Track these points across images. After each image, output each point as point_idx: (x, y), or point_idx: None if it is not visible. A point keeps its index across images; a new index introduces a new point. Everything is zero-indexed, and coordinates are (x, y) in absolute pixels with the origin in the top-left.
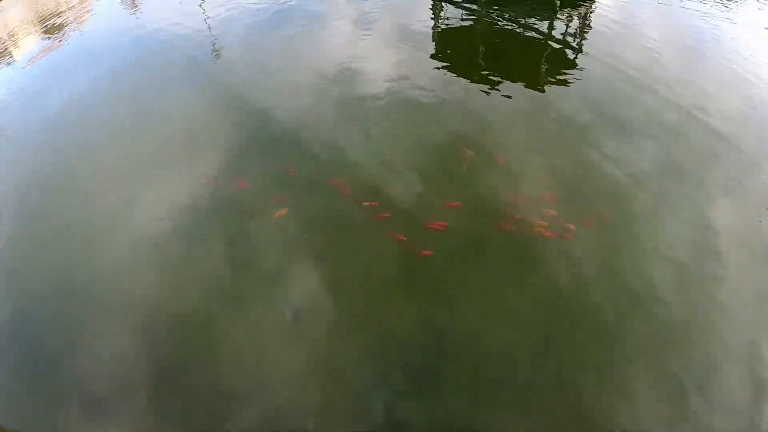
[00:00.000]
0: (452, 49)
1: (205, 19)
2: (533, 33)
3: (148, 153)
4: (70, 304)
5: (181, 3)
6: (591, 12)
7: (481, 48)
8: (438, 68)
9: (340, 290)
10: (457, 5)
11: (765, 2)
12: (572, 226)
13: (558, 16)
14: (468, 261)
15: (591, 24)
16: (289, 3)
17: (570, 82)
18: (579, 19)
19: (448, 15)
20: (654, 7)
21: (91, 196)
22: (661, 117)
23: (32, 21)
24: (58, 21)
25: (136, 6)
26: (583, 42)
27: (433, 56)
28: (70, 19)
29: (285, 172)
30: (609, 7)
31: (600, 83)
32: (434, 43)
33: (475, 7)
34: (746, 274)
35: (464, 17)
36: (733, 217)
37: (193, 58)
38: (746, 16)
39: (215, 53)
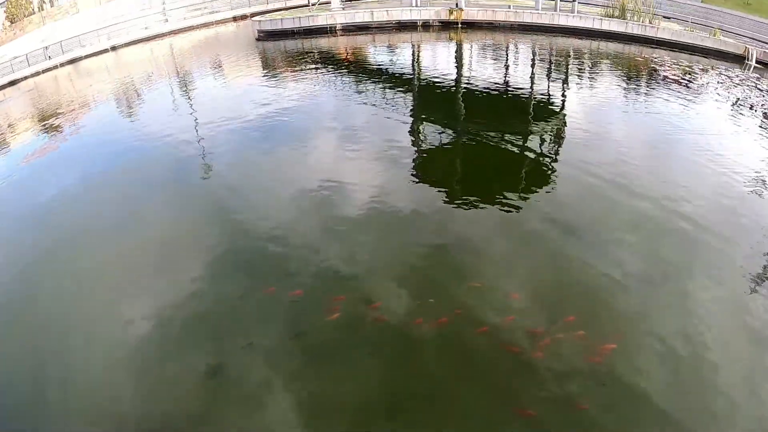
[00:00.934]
0: (433, 166)
1: (196, 131)
2: (510, 147)
3: (129, 259)
4: (41, 413)
5: (176, 111)
6: (563, 124)
7: (461, 164)
8: (421, 186)
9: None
10: (435, 125)
11: (722, 101)
12: (611, 345)
13: (532, 130)
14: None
15: (564, 135)
16: (277, 120)
17: (548, 193)
18: (552, 131)
19: (428, 134)
20: (620, 114)
21: (70, 298)
22: (639, 217)
23: (32, 116)
24: (56, 122)
25: (132, 114)
26: (558, 153)
27: (414, 174)
28: (69, 120)
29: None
30: (579, 118)
31: (577, 191)
32: (415, 161)
33: (453, 126)
34: (740, 359)
35: (443, 136)
36: (720, 304)
37: (182, 167)
38: (705, 112)
39: (204, 165)
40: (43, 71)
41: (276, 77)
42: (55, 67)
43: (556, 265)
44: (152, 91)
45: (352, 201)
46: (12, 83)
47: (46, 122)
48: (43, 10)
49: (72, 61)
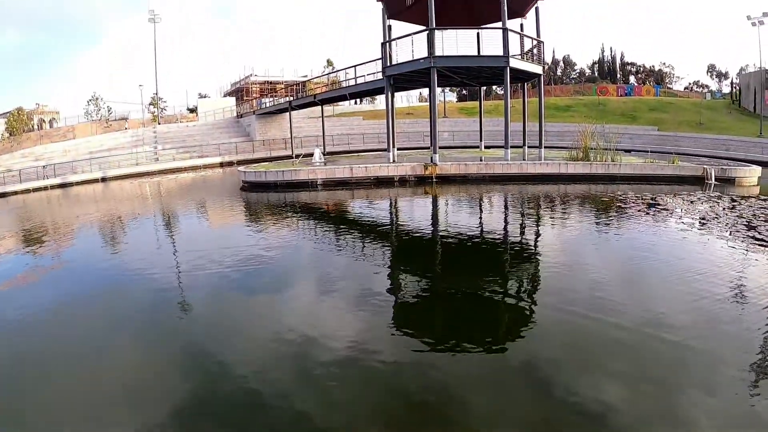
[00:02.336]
0: (413, 315)
1: (176, 270)
2: (487, 292)
3: (92, 399)
4: None
5: (159, 249)
6: (538, 266)
7: (440, 312)
8: (402, 335)
9: None
10: (413, 274)
11: (688, 223)
12: None
13: (508, 273)
14: None
15: (540, 275)
16: (257, 266)
17: (530, 334)
18: (528, 273)
19: (406, 283)
20: (592, 251)
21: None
22: (623, 346)
23: (18, 236)
24: (40, 249)
25: (116, 247)
26: (535, 293)
27: (394, 323)
28: (53, 248)
29: None
30: (553, 258)
31: (558, 328)
32: (395, 310)
33: (430, 275)
34: None
35: (421, 284)
36: (720, 417)
37: (160, 305)
38: (673, 236)
39: (182, 304)
40: (33, 190)
41: (258, 225)
42: (46, 188)
43: (551, 409)
44: (137, 226)
45: (331, 350)
46: (1, 195)
47: (31, 246)
48: (42, 128)
49: (63, 186)
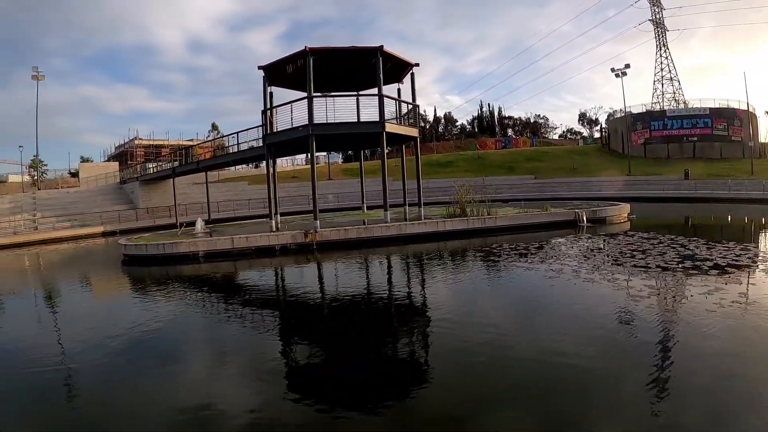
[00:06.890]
0: (308, 381)
1: (60, 347)
2: (382, 348)
3: None
4: None
5: (41, 326)
6: (428, 320)
7: (337, 375)
8: (299, 402)
9: None
10: (305, 340)
11: (567, 260)
12: None
13: (399, 329)
14: None
15: (431, 328)
16: (147, 340)
17: (431, 386)
18: (419, 328)
19: (299, 350)
20: (482, 298)
21: None
22: (526, 374)
23: None
24: None
25: None
26: (429, 344)
27: (291, 389)
28: None
29: None
30: (443, 309)
31: (460, 374)
32: (289, 378)
33: (323, 339)
34: None
35: (314, 349)
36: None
37: (44, 388)
38: (555, 274)
39: (69, 385)
40: None
41: (144, 299)
42: None
43: None
44: (16, 302)
45: (229, 422)
46: None
47: None
48: None
49: None
